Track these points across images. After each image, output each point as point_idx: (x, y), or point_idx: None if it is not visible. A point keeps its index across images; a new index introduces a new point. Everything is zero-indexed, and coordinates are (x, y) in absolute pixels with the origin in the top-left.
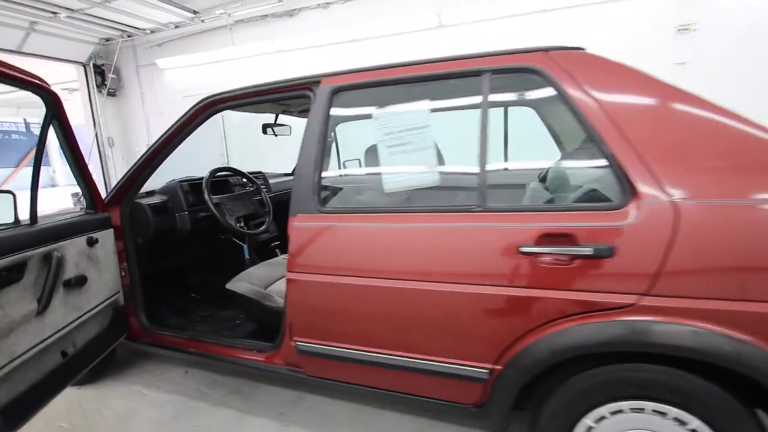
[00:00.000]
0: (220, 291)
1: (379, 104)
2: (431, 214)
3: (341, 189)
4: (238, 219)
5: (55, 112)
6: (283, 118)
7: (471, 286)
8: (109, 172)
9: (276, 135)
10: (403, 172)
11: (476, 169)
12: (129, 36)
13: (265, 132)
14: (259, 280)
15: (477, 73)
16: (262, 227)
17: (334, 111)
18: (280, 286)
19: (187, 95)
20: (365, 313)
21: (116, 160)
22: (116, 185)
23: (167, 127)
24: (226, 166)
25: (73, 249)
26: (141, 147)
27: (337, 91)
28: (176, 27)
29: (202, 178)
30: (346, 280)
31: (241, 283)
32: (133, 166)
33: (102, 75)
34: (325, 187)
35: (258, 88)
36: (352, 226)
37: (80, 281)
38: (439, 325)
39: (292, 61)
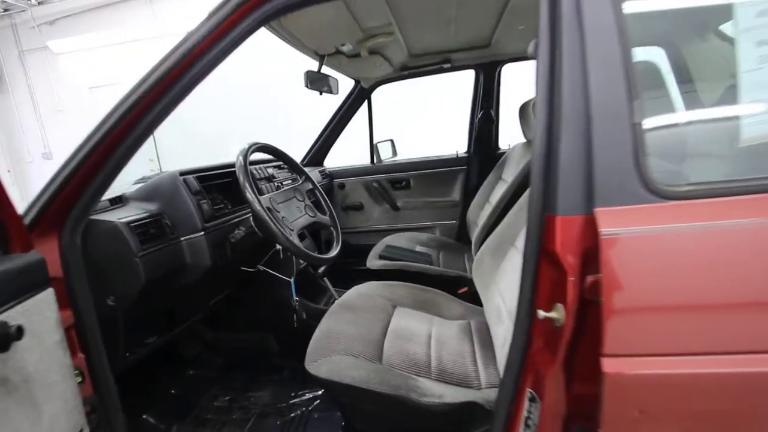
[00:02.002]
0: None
1: None
2: None
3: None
4: (300, 235)
5: None
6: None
7: None
8: None
9: (321, 93)
10: None
11: None
12: (5, 10)
13: (308, 86)
14: (364, 346)
15: None
16: (337, 248)
17: None
18: (399, 347)
19: (96, 86)
20: None
21: None
22: (49, 187)
23: (163, 57)
24: (263, 144)
25: None
26: (35, 155)
27: None
28: None
29: (215, 168)
30: None
31: (339, 360)
32: (84, 144)
33: None
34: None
35: None
36: None
37: None
38: None
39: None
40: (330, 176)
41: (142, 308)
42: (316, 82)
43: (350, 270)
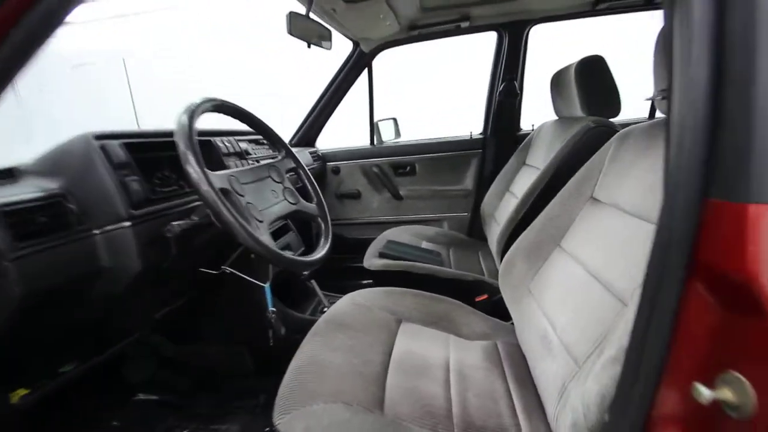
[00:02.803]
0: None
1: None
2: None
3: None
4: (274, 230)
5: None
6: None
7: None
8: None
9: (309, 45)
10: None
11: None
12: None
13: (291, 31)
14: (359, 386)
15: None
16: (324, 247)
17: None
18: (408, 385)
19: (80, 64)
20: None
21: None
22: None
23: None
24: (220, 100)
25: None
26: (17, 149)
27: None
28: None
29: (161, 135)
30: None
31: (323, 411)
32: None
33: None
34: None
35: None
36: None
37: None
38: None
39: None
40: (323, 159)
41: (42, 330)
42: (302, 28)
43: (344, 268)
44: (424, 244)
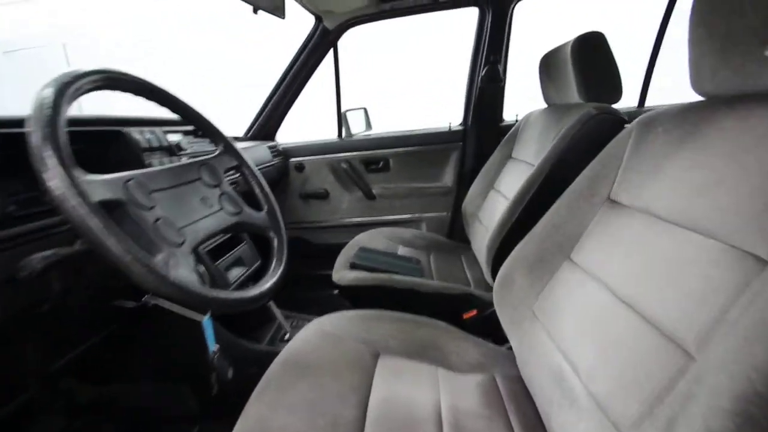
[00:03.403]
0: None
1: None
2: None
3: None
4: (211, 248)
5: None
6: None
7: None
8: None
9: (256, 11)
10: None
11: None
12: None
13: None
14: None
15: None
16: (276, 274)
17: None
18: None
19: (11, 50)
20: None
21: None
22: None
23: None
24: (113, 71)
25: None
26: None
27: None
28: None
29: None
30: None
31: None
32: None
33: None
34: None
35: None
36: None
37: None
38: None
39: None
40: (284, 154)
41: None
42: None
43: (311, 278)
44: (401, 250)
